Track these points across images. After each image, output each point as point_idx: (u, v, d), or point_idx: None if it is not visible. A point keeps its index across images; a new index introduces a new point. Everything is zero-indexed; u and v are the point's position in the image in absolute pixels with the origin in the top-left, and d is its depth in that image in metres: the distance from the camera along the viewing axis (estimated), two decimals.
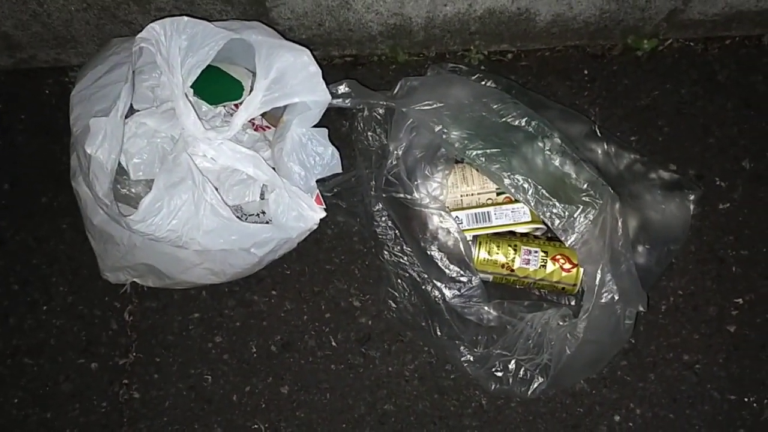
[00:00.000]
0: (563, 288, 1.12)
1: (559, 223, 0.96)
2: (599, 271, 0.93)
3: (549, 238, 1.14)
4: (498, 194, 1.14)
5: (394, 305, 1.16)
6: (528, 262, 1.11)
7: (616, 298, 0.93)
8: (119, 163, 0.99)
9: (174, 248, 0.99)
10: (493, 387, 1.06)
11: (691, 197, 1.14)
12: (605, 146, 1.15)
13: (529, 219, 1.12)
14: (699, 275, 1.18)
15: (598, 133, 1.15)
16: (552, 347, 1.00)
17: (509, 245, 1.12)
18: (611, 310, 0.94)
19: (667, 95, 1.26)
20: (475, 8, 1.14)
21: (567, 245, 0.97)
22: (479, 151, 1.00)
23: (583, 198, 0.96)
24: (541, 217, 0.97)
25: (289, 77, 1.00)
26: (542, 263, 1.10)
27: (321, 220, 1.02)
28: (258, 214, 1.04)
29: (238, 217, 1.03)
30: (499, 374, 1.05)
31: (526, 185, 0.97)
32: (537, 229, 1.14)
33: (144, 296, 1.19)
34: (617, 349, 1.01)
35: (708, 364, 1.15)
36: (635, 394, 1.14)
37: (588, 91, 1.27)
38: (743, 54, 1.28)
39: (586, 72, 1.28)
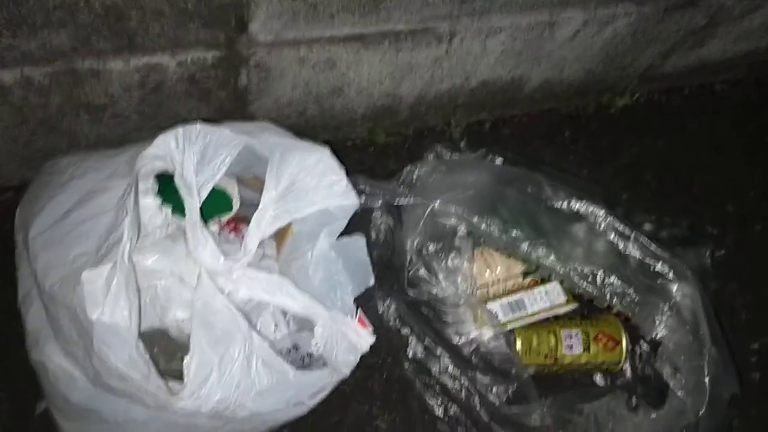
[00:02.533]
0: (606, 368, 1.04)
1: (639, 312, 0.87)
2: (705, 364, 0.85)
3: (583, 316, 1.06)
4: (524, 277, 1.04)
5: (427, 419, 1.01)
6: (571, 347, 1.01)
7: (716, 386, 0.86)
8: None
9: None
10: None
11: (706, 251, 1.12)
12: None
13: (565, 300, 1.03)
14: None
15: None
16: None
17: (549, 332, 1.02)
18: (714, 398, 0.86)
19: (646, 149, 1.25)
20: (470, 81, 1.05)
21: (650, 338, 0.88)
22: (531, 245, 0.90)
23: (659, 281, 0.88)
24: (618, 308, 0.88)
25: (307, 183, 0.84)
26: (585, 346, 1.01)
27: None
28: (290, 350, 0.86)
29: None
30: None
31: (596, 276, 0.87)
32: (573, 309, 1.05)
33: None
34: None
35: (745, 418, 1.11)
36: None
37: (573, 153, 1.23)
38: (703, 101, 1.31)
39: (567, 134, 1.24)
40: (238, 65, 0.86)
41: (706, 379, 0.84)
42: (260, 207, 0.82)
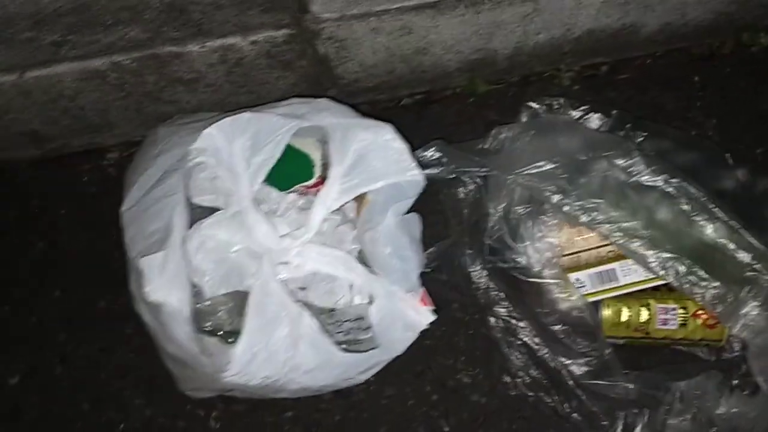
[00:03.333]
0: (707, 344, 0.97)
1: (721, 308, 0.80)
2: None
3: None
4: None
5: (509, 379, 1.02)
6: (666, 322, 0.96)
7: None
8: None
9: None
10: None
11: None
12: (738, 174, 0.98)
13: None
14: None
15: (730, 161, 0.98)
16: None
17: (641, 305, 0.96)
18: None
19: None
20: (573, 31, 0.96)
21: (734, 333, 0.81)
22: (611, 224, 0.84)
23: (747, 274, 0.80)
24: (697, 299, 0.82)
25: (371, 159, 0.84)
26: (682, 321, 0.95)
27: None
28: (356, 319, 0.90)
29: (331, 324, 0.89)
30: None
31: (678, 266, 0.81)
32: None
33: (230, 399, 1.06)
34: None
35: None
36: None
37: (701, 100, 1.09)
38: None
39: (695, 78, 1.10)
40: (311, 39, 0.86)
41: None
42: (327, 183, 0.85)
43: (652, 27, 0.99)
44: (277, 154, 0.80)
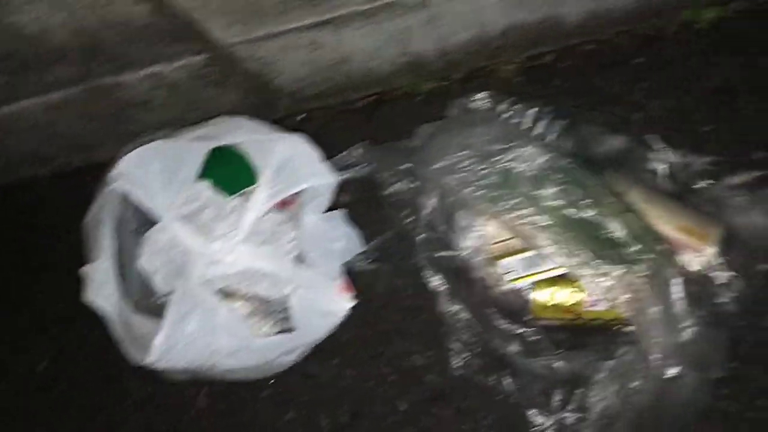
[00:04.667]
0: None
1: (605, 287, 0.83)
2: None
3: None
4: None
5: (457, 360, 1.09)
6: (595, 304, 0.99)
7: (686, 369, 0.80)
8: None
9: None
10: None
11: None
12: (671, 156, 0.99)
13: None
14: None
15: (659, 144, 0.99)
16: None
17: (573, 286, 1.00)
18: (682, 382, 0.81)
19: (740, 70, 1.06)
20: (490, 28, 1.00)
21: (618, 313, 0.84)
22: (509, 213, 0.89)
23: (631, 255, 0.83)
24: (585, 282, 0.85)
25: (292, 165, 0.94)
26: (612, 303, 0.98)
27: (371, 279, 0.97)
28: (283, 310, 1.00)
29: (272, 312, 1.00)
30: None
31: (565, 249, 0.85)
32: None
33: (215, 380, 1.20)
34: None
35: None
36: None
37: (644, 82, 1.10)
38: None
39: (640, 60, 1.11)
40: (231, 59, 0.96)
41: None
42: (257, 189, 0.95)
43: (575, 16, 1.01)
44: (194, 174, 0.91)
